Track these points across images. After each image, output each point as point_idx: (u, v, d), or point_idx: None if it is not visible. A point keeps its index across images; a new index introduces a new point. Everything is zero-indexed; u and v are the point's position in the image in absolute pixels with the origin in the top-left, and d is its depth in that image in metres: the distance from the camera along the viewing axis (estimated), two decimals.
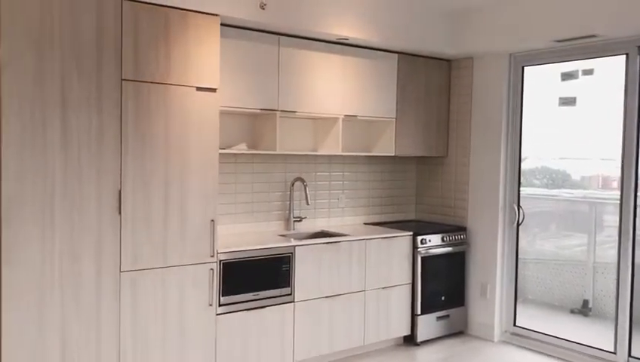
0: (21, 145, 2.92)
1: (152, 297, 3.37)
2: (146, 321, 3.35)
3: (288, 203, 4.60)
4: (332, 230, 4.62)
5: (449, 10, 4.74)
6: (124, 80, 3.22)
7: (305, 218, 4.70)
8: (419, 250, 4.65)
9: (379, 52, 4.66)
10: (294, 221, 4.60)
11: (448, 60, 5.14)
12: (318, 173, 4.82)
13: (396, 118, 4.80)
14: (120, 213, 3.24)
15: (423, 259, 4.67)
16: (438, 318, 4.81)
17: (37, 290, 2.99)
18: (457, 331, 4.98)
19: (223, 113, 3.87)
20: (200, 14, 3.48)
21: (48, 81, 2.98)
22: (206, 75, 3.52)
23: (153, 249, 3.36)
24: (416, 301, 4.66)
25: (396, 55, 4.77)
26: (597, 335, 4.43)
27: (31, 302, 2.98)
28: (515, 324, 4.83)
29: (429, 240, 4.73)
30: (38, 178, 2.98)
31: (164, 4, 3.33)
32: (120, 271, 3.25)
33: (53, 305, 3.04)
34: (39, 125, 2.97)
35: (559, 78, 4.74)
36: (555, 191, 4.94)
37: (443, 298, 4.84)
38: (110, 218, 3.21)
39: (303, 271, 4.02)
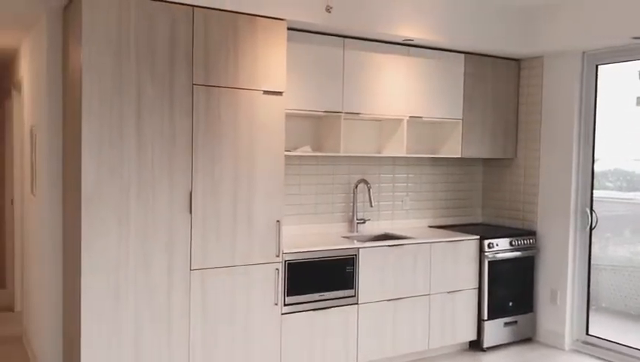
0: (99, 145, 3.08)
1: (221, 295, 3.46)
2: (215, 318, 3.45)
3: (352, 204, 4.61)
4: (396, 232, 4.60)
5: (518, 8, 4.61)
6: (195, 85, 3.33)
7: (368, 220, 4.69)
8: (486, 253, 4.55)
9: (445, 52, 4.59)
10: (358, 223, 4.60)
11: (517, 60, 5.00)
12: (382, 175, 4.80)
13: (463, 119, 4.72)
14: (191, 212, 3.35)
15: (490, 263, 4.57)
16: (506, 324, 4.69)
17: (113, 281, 3.14)
18: (525, 338, 4.84)
19: (287, 115, 3.92)
20: (267, 19, 3.55)
21: (125, 84, 3.13)
22: (273, 78, 3.59)
23: (221, 248, 3.46)
24: (483, 306, 4.57)
25: (463, 55, 4.69)
26: None
27: (107, 291, 3.13)
28: (587, 333, 4.65)
29: (497, 244, 4.62)
30: (114, 177, 3.12)
31: (234, 10, 3.42)
32: (190, 269, 3.36)
33: (128, 298, 3.18)
34: (116, 127, 3.12)
35: (637, 76, 4.52)
36: (630, 195, 4.71)
37: (511, 303, 4.72)
38: (181, 217, 3.32)
39: (366, 273, 4.02)
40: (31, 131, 4.36)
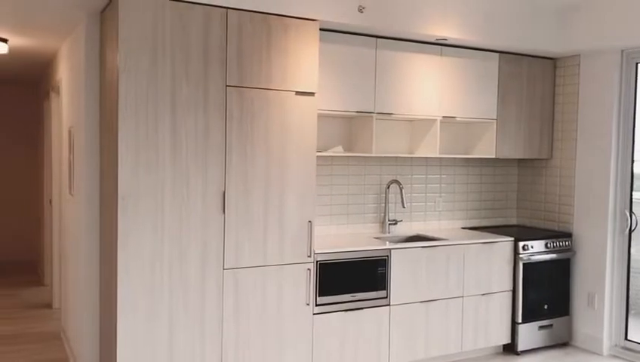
0: (135, 145, 3.13)
1: (253, 294, 3.49)
2: (247, 317, 3.48)
3: (384, 205, 4.59)
4: (428, 234, 4.56)
5: (555, 6, 4.53)
6: (229, 86, 3.36)
7: (400, 221, 4.67)
8: (520, 256, 4.47)
9: (479, 52, 4.54)
10: (390, 224, 4.58)
11: (552, 59, 4.91)
12: (415, 176, 4.77)
13: (497, 119, 4.66)
14: (224, 212, 3.38)
15: (524, 265, 4.50)
16: (541, 327, 4.61)
17: (148, 279, 3.19)
18: (561, 342, 4.74)
19: (319, 116, 3.93)
20: (300, 20, 3.57)
21: (160, 85, 3.18)
22: (305, 79, 3.60)
23: (254, 247, 3.48)
24: (517, 309, 4.49)
25: (497, 54, 4.63)
26: None
27: (142, 288, 3.18)
28: (626, 338, 4.53)
29: (532, 246, 4.54)
30: (150, 177, 3.17)
31: (267, 11, 3.44)
32: (223, 268, 3.39)
33: (162, 295, 3.23)
34: (152, 126, 3.17)
35: None
36: None
37: (546, 306, 4.63)
38: (215, 217, 3.35)
39: (398, 275, 4.00)
40: (69, 132, 4.46)
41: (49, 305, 5.89)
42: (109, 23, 3.35)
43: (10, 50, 5.14)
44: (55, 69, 5.41)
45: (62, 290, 5.04)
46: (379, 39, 4.11)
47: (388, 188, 4.56)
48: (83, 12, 3.64)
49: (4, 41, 4.72)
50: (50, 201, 6.03)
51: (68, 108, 4.55)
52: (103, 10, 3.54)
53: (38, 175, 7.95)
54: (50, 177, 6.04)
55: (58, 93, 5.29)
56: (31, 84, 8.09)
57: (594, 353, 4.59)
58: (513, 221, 5.28)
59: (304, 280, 3.64)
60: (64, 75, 4.74)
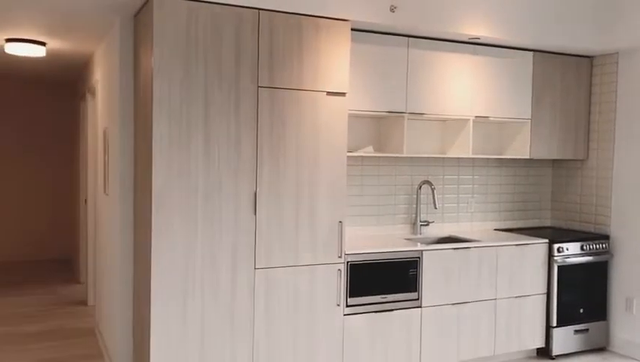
0: (169, 146, 3.17)
1: (284, 294, 3.50)
2: (278, 316, 3.49)
3: (415, 206, 4.56)
4: (461, 235, 4.50)
5: (591, 2, 4.42)
6: (260, 87, 3.38)
7: (432, 222, 4.62)
8: (555, 258, 4.39)
9: (512, 50, 4.47)
10: (421, 225, 4.54)
11: (589, 57, 4.80)
12: (446, 176, 4.72)
13: (531, 119, 4.58)
14: (255, 213, 3.40)
15: (559, 268, 4.41)
16: (576, 332, 4.51)
17: (180, 277, 3.23)
18: (597, 347, 4.63)
19: (350, 116, 3.92)
20: (331, 20, 3.56)
21: (193, 87, 3.21)
22: (336, 79, 3.59)
23: (285, 248, 3.49)
24: (552, 312, 4.40)
25: (531, 53, 4.55)
26: None
27: (175, 286, 3.22)
28: None
29: (567, 249, 4.44)
30: (183, 177, 3.21)
31: (298, 12, 3.45)
32: (254, 268, 3.41)
33: (194, 293, 3.26)
34: (185, 128, 3.20)
35: None
36: None
37: (582, 310, 4.53)
38: (246, 217, 3.37)
39: (430, 276, 3.96)
40: (104, 133, 4.55)
41: (84, 302, 6.01)
42: (143, 26, 3.40)
43: (48, 53, 5.27)
44: (91, 72, 5.52)
45: (96, 288, 5.14)
46: (411, 38, 4.08)
47: (419, 188, 4.52)
48: (117, 16, 3.70)
49: (42, 44, 4.84)
50: (86, 201, 6.15)
51: (103, 110, 4.63)
52: (137, 14, 3.60)
53: (73, 175, 8.12)
54: (86, 177, 6.17)
55: (94, 94, 5.39)
56: (67, 86, 8.28)
57: (632, 359, 4.47)
58: (547, 223, 5.18)
59: (335, 281, 3.64)
60: (100, 77, 4.83)
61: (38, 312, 5.65)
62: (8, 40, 4.71)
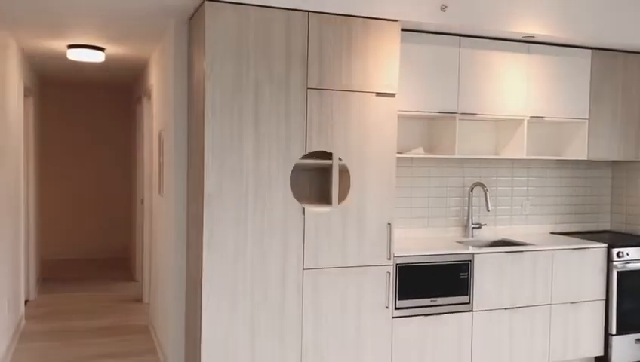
0: (221, 147, 3.23)
1: (332, 295, 3.50)
2: (326, 317, 3.49)
3: (467, 208, 4.47)
4: (514, 238, 4.39)
5: None
6: (309, 88, 3.40)
7: (484, 225, 4.53)
8: (614, 263, 4.22)
9: (569, 48, 4.33)
10: (473, 228, 4.45)
11: None
12: (500, 178, 4.61)
13: (589, 119, 4.42)
14: (304, 213, 3.41)
15: (619, 273, 4.23)
16: (638, 340, 4.32)
17: (231, 277, 3.28)
18: None
19: (399, 117, 3.89)
20: (381, 21, 3.55)
21: (244, 89, 3.26)
22: (385, 80, 3.57)
23: (333, 249, 3.49)
24: (611, 319, 4.23)
25: (589, 51, 4.39)
26: None
27: (226, 285, 3.28)
28: None
29: (627, 254, 4.26)
30: (234, 178, 3.26)
31: (348, 13, 3.45)
32: (303, 269, 3.43)
33: (245, 292, 3.31)
34: (236, 130, 3.26)
35: None
36: None
37: None
38: (295, 218, 3.40)
39: (482, 280, 3.88)
40: (159, 135, 4.67)
41: (139, 300, 6.19)
42: (196, 30, 3.47)
43: (107, 58, 5.46)
44: (147, 75, 5.68)
45: (151, 286, 5.28)
46: (462, 38, 4.01)
47: (471, 190, 4.44)
48: (172, 20, 3.80)
49: (102, 50, 5.02)
50: (142, 201, 6.33)
51: (158, 113, 4.76)
52: (191, 18, 3.68)
53: (130, 176, 8.39)
54: (142, 178, 6.35)
55: (150, 97, 5.55)
56: (124, 89, 8.56)
57: None
58: (606, 226, 4.99)
59: (383, 283, 3.62)
60: (155, 80, 4.97)
61: (97, 308, 5.86)
62: (70, 46, 4.91)
